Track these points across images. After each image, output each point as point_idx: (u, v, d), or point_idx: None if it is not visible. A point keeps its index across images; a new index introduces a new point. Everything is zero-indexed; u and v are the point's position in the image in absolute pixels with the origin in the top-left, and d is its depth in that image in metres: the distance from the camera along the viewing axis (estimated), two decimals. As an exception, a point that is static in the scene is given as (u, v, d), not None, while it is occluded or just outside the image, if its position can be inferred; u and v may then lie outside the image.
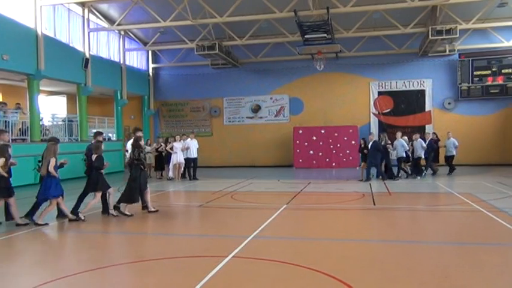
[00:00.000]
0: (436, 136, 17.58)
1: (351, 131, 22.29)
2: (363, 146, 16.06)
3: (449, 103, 22.57)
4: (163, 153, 17.68)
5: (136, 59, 25.31)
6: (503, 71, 21.63)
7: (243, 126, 24.84)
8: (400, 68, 23.05)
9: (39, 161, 8.99)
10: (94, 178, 9.08)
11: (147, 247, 6.98)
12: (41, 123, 17.54)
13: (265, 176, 18.64)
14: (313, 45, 19.23)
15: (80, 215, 8.82)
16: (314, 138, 22.45)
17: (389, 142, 16.04)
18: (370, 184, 14.34)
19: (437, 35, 18.68)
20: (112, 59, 22.87)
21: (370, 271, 5.33)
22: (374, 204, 10.46)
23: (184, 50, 24.43)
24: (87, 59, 19.85)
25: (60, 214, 8.97)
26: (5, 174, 8.21)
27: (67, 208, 8.83)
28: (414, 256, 6.04)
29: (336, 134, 22.43)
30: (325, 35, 18.08)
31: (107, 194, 9.29)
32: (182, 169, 17.32)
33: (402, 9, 18.60)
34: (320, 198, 11.95)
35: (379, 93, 23.31)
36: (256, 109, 24.82)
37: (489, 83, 21.76)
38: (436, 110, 22.77)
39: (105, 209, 9.37)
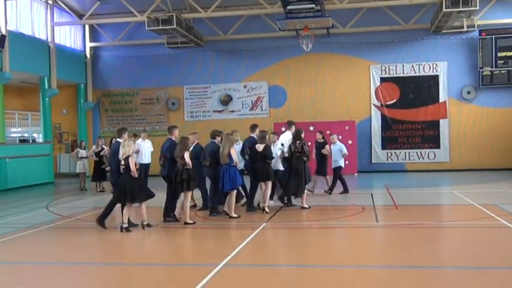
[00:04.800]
0: (323, 137, 15.34)
1: (347, 127, 22.46)
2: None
3: (468, 92, 23.03)
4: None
5: (70, 37, 24.88)
6: (534, 51, 22.21)
7: (210, 122, 24.57)
8: (407, 48, 23.35)
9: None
10: (263, 168, 11.35)
11: (81, 281, 6.87)
12: None
13: (239, 186, 18.56)
14: (298, 19, 19.29)
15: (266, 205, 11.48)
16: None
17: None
18: (371, 195, 14.48)
19: (452, 6, 19.01)
20: (37, 36, 22.41)
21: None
22: (377, 221, 10.61)
23: (133, 24, 24.17)
24: (3, 36, 19.39)
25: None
26: (190, 166, 10.07)
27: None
28: (428, 285, 6.14)
29: (328, 132, 22.52)
30: (313, 5, 18.18)
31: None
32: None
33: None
34: (309, 213, 11.99)
35: (382, 79, 23.60)
36: (227, 101, 24.78)
37: (517, 66, 22.30)
38: (453, 101, 23.20)
39: (250, 204, 11.96)
